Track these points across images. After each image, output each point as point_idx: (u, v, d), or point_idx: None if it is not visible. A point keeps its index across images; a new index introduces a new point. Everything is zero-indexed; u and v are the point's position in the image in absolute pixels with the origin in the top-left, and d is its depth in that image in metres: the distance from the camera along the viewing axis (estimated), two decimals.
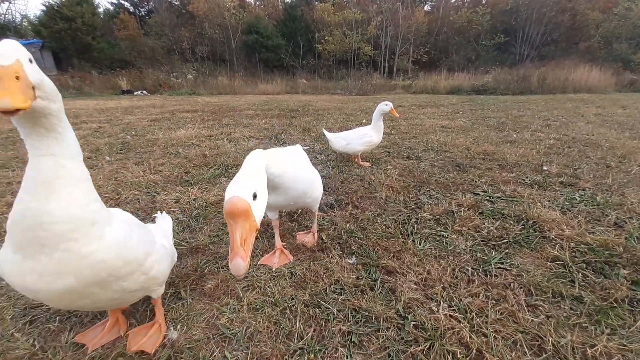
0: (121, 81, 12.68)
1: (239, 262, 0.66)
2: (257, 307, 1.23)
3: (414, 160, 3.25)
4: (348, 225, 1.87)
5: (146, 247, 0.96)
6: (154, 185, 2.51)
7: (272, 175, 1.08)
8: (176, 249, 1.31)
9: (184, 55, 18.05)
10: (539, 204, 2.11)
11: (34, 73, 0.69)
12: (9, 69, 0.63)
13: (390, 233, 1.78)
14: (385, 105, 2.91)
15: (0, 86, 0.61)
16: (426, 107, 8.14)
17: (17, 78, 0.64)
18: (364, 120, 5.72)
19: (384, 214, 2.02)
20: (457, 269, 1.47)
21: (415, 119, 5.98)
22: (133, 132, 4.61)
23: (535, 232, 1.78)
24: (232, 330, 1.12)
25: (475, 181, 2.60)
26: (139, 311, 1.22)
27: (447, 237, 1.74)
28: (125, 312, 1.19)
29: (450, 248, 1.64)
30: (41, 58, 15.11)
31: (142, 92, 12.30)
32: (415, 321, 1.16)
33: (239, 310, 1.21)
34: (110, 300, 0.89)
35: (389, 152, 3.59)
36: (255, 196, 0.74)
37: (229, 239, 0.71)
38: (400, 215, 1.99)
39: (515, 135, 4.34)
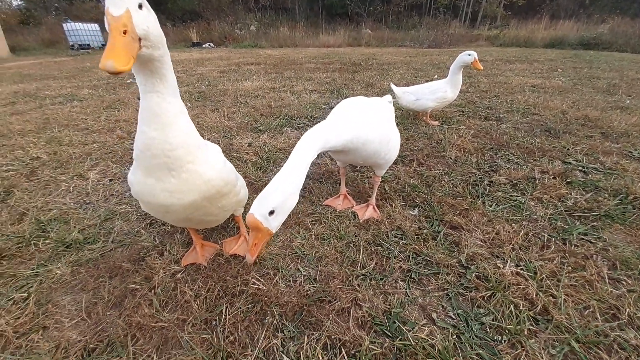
0: (191, 33, 13.48)
1: (249, 258, 0.86)
2: (324, 238, 1.40)
3: (493, 121, 2.93)
4: (412, 180, 1.88)
5: (234, 174, 1.15)
6: (229, 130, 2.81)
7: (334, 148, 1.06)
8: (252, 184, 1.52)
9: (248, 4, 18.02)
10: None
11: (142, 23, 0.69)
12: (119, 21, 0.64)
13: (458, 192, 1.75)
14: (468, 56, 2.60)
15: (108, 42, 0.63)
16: (515, 62, 6.95)
17: (124, 32, 0.64)
18: (436, 76, 5.21)
19: (452, 173, 1.96)
20: (530, 234, 1.41)
21: (500, 76, 5.21)
22: (206, 83, 5.03)
23: (635, 208, 1.56)
24: (304, 251, 1.32)
25: (568, 149, 2.28)
26: (227, 228, 1.51)
27: (523, 203, 1.64)
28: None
29: (526, 214, 1.56)
30: None
31: (209, 45, 12.97)
32: (478, 272, 1.20)
33: (308, 238, 1.40)
34: (213, 215, 1.10)
35: (462, 112, 3.29)
36: (272, 212, 0.83)
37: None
38: (471, 177, 1.91)
39: (628, 101, 3.52)
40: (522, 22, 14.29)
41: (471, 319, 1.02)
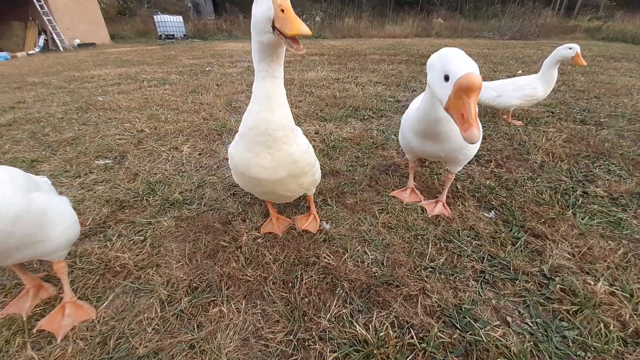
0: None
1: (475, 132, 0.79)
2: (392, 227, 1.45)
3: (591, 125, 2.58)
4: (488, 181, 1.79)
5: (314, 156, 1.26)
6: (297, 117, 2.98)
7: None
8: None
9: None
10: None
11: None
12: (287, 1, 0.77)
13: (544, 200, 1.62)
14: (569, 49, 2.31)
15: (292, 17, 0.75)
16: (621, 60, 5.88)
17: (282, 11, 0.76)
18: (520, 71, 4.71)
19: (537, 179, 1.81)
20: (630, 254, 1.26)
21: (601, 75, 4.49)
22: None
23: None
24: (370, 236, 1.39)
25: None
26: (298, 206, 1.65)
27: (624, 220, 1.45)
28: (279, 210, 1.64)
29: (627, 232, 1.38)
30: (204, 3, 18.46)
31: None
32: (563, 285, 1.12)
33: (375, 225, 1.46)
34: (292, 191, 1.23)
35: (552, 112, 2.95)
36: None
37: (462, 112, 0.84)
38: (560, 184, 1.75)
39: None
40: (630, 14, 11.86)
41: (551, 330, 0.98)
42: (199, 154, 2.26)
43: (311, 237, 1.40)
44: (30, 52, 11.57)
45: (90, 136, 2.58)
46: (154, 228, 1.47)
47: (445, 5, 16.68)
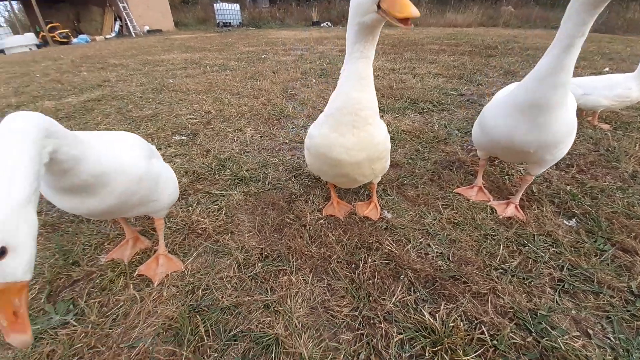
0: (313, 13, 14.33)
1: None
2: (458, 223, 1.42)
3: None
4: (569, 187, 1.65)
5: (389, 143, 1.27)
6: None
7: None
8: None
9: None
10: None
11: None
12: None
13: (635, 213, 1.45)
14: None
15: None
16: None
17: None
18: (606, 69, 4.15)
19: (628, 189, 1.62)
20: None
21: None
22: (327, 61, 5.37)
23: None
24: (434, 230, 1.38)
25: None
26: (358, 194, 1.69)
27: None
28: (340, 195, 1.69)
29: None
30: None
31: (327, 24, 13.58)
32: None
33: (439, 220, 1.44)
34: (364, 176, 1.26)
35: None
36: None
37: None
38: None
39: None
40: None
41: (633, 347, 0.91)
42: (261, 137, 2.40)
43: (373, 224, 1.43)
44: (107, 37, 13.02)
45: (166, 114, 2.87)
46: (227, 199, 1.62)
47: None
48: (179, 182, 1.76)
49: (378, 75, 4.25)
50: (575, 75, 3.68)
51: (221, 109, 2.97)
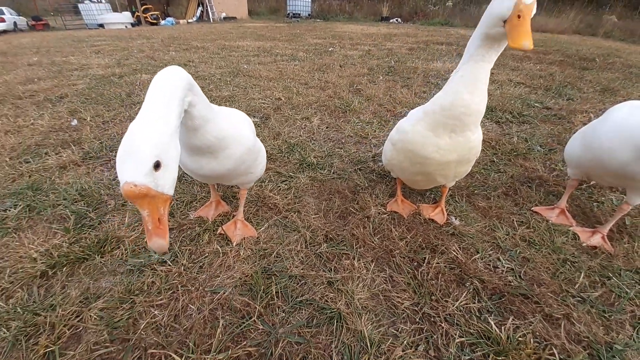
0: (383, 7, 14.10)
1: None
2: (533, 242, 1.36)
3: None
4: None
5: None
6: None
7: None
8: None
9: None
10: None
11: None
12: (531, 7, 0.79)
13: None
14: None
15: (523, 28, 0.79)
16: None
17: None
18: None
19: None
20: None
21: None
22: (395, 59, 5.30)
23: None
24: (506, 245, 1.34)
25: None
26: (424, 195, 1.70)
27: None
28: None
29: None
30: None
31: (397, 20, 13.25)
32: None
33: (512, 236, 1.39)
34: (446, 177, 1.28)
35: None
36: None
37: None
38: None
39: None
40: None
41: None
42: (327, 127, 2.51)
43: (439, 228, 1.44)
44: (189, 21, 14.40)
45: (242, 97, 3.15)
46: (295, 181, 1.76)
47: (623, 0, 12.99)
48: None
49: (450, 77, 4.08)
50: None
51: (290, 97, 3.15)
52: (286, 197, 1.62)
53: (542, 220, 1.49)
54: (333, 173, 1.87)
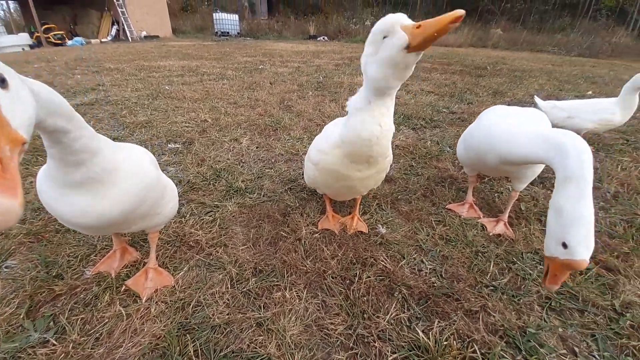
0: (310, 27, 14.65)
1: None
2: (450, 239, 1.44)
3: None
4: None
5: None
6: None
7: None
8: None
9: None
10: None
11: None
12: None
13: (617, 232, 1.52)
14: None
15: None
16: None
17: None
18: (589, 92, 4.36)
19: (610, 209, 1.69)
20: None
21: None
22: (324, 74, 5.47)
23: None
24: (428, 246, 1.40)
25: None
26: (340, 208, 1.71)
27: None
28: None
29: None
30: (259, 3, 19.35)
31: (323, 38, 13.89)
32: (633, 322, 1.06)
33: (432, 236, 1.47)
34: (367, 188, 1.31)
35: (627, 140, 2.72)
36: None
37: (559, 276, 0.90)
38: (636, 219, 1.62)
39: None
40: None
41: None
42: (257, 147, 2.41)
43: (367, 239, 1.44)
44: (103, 40, 12.96)
45: (161, 121, 2.86)
46: (221, 211, 1.61)
47: (506, 15, 15.81)
48: None
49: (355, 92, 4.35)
50: (560, 97, 3.87)
51: (217, 118, 2.97)
52: (210, 231, 1.47)
53: (456, 217, 1.61)
54: (263, 196, 1.77)
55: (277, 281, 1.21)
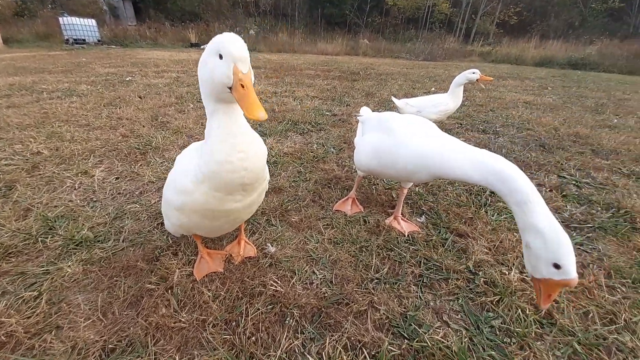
0: (190, 34, 13.45)
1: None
2: (337, 241, 1.43)
3: (490, 134, 3.06)
4: (417, 188, 1.94)
5: None
6: None
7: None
8: None
9: (248, 9, 18.16)
10: (634, 195, 1.92)
11: None
12: (248, 78, 0.77)
13: (462, 201, 1.82)
14: (473, 74, 2.72)
15: (251, 98, 0.75)
16: (507, 79, 7.25)
17: None
18: (433, 89, 5.37)
19: (455, 183, 2.03)
20: None
21: (494, 92, 5.43)
22: None
23: (626, 222, 1.66)
24: (318, 255, 1.35)
25: (562, 164, 2.41)
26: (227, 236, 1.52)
27: None
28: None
29: None
30: (123, 8, 16.59)
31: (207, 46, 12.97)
32: (485, 278, 1.25)
33: (322, 242, 1.43)
34: (251, 213, 1.13)
35: (461, 124, 3.41)
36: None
37: (551, 294, 0.86)
38: (473, 187, 1.99)
39: (616, 120, 3.75)
40: (513, 41, 14.95)
41: (482, 322, 1.07)
42: (116, 178, 1.93)
43: (256, 264, 1.29)
44: None
45: None
46: (52, 278, 1.16)
47: (369, 28, 18.33)
48: None
49: (261, 98, 4.22)
50: (413, 95, 4.61)
51: (58, 147, 2.27)
52: (33, 312, 1.03)
53: (342, 216, 1.63)
54: (122, 241, 1.38)
55: (138, 356, 0.92)
